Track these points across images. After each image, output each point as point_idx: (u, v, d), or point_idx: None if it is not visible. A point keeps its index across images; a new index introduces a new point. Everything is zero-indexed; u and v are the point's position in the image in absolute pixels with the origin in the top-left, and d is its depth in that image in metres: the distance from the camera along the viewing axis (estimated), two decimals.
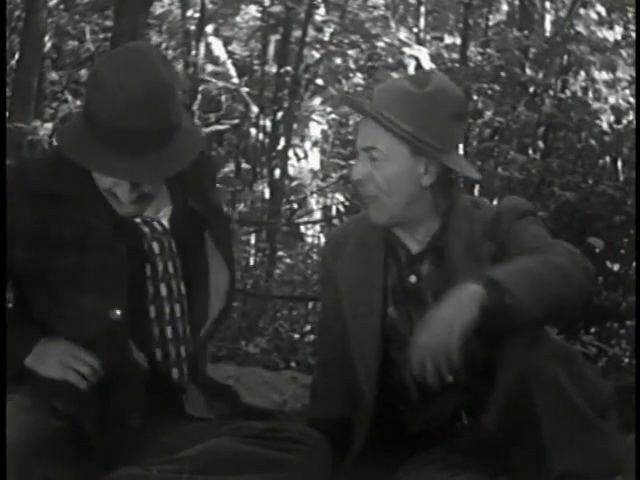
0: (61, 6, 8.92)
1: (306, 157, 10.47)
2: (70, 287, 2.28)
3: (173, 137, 2.24)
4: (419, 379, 2.21)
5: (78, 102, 8.90)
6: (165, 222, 2.39)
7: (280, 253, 8.84)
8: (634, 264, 5.09)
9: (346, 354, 2.51)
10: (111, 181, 2.26)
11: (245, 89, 9.98)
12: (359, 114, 2.54)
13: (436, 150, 2.41)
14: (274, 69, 9.94)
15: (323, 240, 10.22)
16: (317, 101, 10.50)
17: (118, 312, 2.28)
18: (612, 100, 7.10)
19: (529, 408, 2.17)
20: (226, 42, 10.59)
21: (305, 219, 9.89)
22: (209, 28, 10.09)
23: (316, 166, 10.53)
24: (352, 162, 8.46)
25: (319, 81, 10.04)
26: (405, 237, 2.49)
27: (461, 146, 6.29)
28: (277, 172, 9.16)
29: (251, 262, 8.55)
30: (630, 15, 7.60)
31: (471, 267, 2.38)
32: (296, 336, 6.06)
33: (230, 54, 10.53)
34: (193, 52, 9.30)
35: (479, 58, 7.73)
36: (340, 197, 9.57)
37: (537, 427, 2.17)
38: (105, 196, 2.31)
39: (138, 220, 2.35)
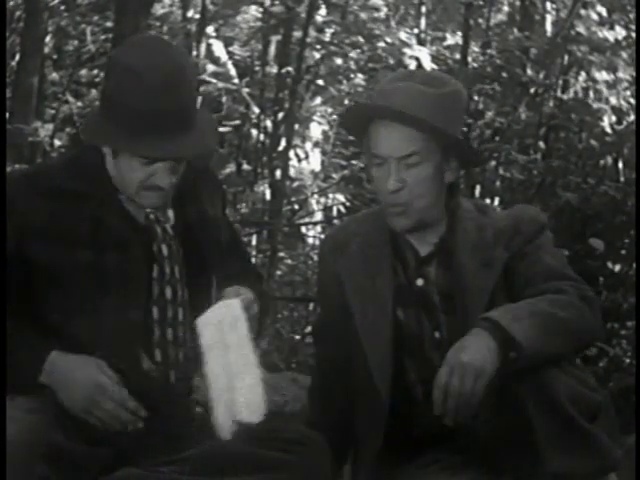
0: (62, 7, 8.92)
1: (307, 158, 10.45)
2: (87, 286, 2.27)
3: (197, 119, 2.29)
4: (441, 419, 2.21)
5: (79, 103, 8.91)
6: (169, 227, 2.40)
7: (281, 254, 8.83)
8: (634, 265, 5.09)
9: (348, 354, 2.48)
10: (149, 170, 2.26)
11: (246, 90, 9.96)
12: (382, 118, 2.37)
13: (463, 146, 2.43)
14: (275, 70, 9.92)
15: None
16: (318, 102, 10.49)
17: (137, 314, 2.29)
18: (613, 101, 7.10)
19: (520, 410, 2.17)
20: (227, 43, 10.57)
21: (306, 220, 9.86)
22: (210, 29, 10.08)
23: (317, 167, 10.51)
24: (354, 162, 8.49)
25: (320, 82, 10.02)
26: (414, 239, 2.46)
27: None
28: (278, 173, 9.14)
29: None
30: (631, 16, 7.60)
31: (480, 271, 2.38)
32: (297, 337, 6.06)
33: (231, 55, 10.51)
34: (194, 53, 9.27)
35: (480, 58, 7.73)
36: (341, 198, 9.55)
37: (529, 429, 2.17)
38: (125, 196, 2.32)
39: (152, 217, 2.36)
